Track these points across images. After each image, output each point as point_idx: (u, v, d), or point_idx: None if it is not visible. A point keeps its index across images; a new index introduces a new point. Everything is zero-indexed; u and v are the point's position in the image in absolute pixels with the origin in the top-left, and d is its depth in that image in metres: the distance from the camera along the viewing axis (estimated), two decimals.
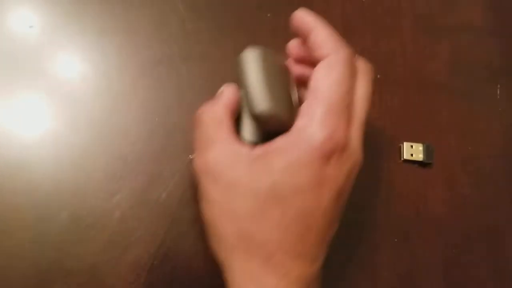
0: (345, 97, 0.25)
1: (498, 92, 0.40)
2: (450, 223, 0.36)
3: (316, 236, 0.25)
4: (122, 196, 0.33)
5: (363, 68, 0.28)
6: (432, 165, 0.37)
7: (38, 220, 0.32)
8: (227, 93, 0.28)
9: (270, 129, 0.27)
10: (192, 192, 0.34)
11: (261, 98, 0.26)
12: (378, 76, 0.39)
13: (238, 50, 0.38)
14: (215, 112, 0.28)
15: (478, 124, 0.39)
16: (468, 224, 0.36)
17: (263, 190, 0.24)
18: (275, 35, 0.40)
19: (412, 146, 0.37)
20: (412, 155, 0.37)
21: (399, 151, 0.37)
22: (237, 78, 0.27)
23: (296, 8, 0.40)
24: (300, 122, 0.25)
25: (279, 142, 0.25)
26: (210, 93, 0.36)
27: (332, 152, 0.24)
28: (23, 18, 0.37)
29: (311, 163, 0.24)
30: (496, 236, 0.36)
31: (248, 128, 0.28)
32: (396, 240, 0.35)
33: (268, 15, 0.40)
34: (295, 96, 0.29)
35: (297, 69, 0.31)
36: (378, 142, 0.37)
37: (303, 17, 0.29)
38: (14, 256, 0.31)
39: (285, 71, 0.30)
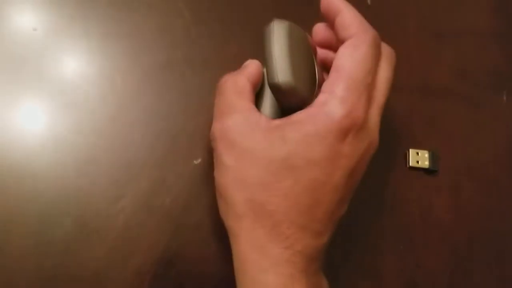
0: (367, 77, 0.26)
1: (505, 98, 0.40)
2: (456, 230, 0.36)
3: (323, 211, 0.25)
4: (126, 201, 0.33)
5: (387, 52, 0.28)
6: (437, 172, 0.37)
7: (42, 225, 0.32)
8: (251, 66, 0.29)
9: (289, 103, 0.27)
10: (197, 197, 0.34)
11: (282, 68, 0.26)
12: None
13: (243, 56, 0.38)
14: (238, 81, 0.28)
15: (484, 131, 0.39)
16: (474, 231, 0.36)
17: (276, 160, 0.25)
18: None
19: (418, 153, 0.37)
20: (418, 162, 0.36)
21: (405, 158, 0.37)
22: (262, 49, 0.27)
23: (301, 14, 0.40)
24: (321, 98, 0.26)
25: (298, 115, 0.26)
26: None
27: (349, 129, 0.24)
28: (27, 21, 0.37)
29: (327, 137, 0.24)
30: (502, 243, 0.36)
31: (268, 105, 0.29)
32: (401, 247, 0.35)
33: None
34: (317, 73, 0.29)
35: (321, 53, 0.31)
36: (384, 148, 0.37)
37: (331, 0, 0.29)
38: (18, 261, 0.31)
39: (310, 48, 0.30)
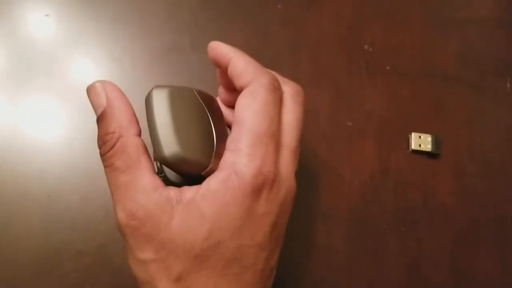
0: (271, 126, 0.24)
1: (508, 85, 0.40)
2: (457, 213, 0.36)
3: (253, 273, 0.24)
4: None
5: (293, 90, 0.27)
6: (440, 156, 0.37)
7: (50, 202, 0.33)
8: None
9: (184, 172, 0.25)
10: None
11: (167, 141, 0.23)
12: (388, 67, 0.40)
13: (248, 41, 0.39)
14: (131, 154, 0.24)
15: (487, 116, 0.39)
16: (475, 214, 0.36)
17: (199, 241, 0.23)
18: (285, 26, 0.40)
19: (420, 137, 0.37)
20: (420, 145, 0.37)
21: (408, 141, 0.37)
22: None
23: (306, 0, 0.41)
24: (228, 157, 0.24)
25: (210, 183, 0.24)
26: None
27: (262, 186, 0.23)
28: (39, 7, 0.38)
29: (244, 202, 0.23)
30: (503, 226, 0.36)
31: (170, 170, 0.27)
32: (403, 229, 0.35)
33: (279, 6, 0.41)
34: (214, 131, 0.27)
35: (232, 97, 0.30)
36: (386, 132, 0.37)
37: (218, 48, 0.27)
38: (25, 236, 0.32)
39: (201, 106, 0.27)
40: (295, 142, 0.26)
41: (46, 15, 0.38)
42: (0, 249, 0.32)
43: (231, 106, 0.31)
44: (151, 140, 0.24)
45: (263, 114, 0.24)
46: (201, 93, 0.28)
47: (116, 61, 0.37)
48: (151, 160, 0.25)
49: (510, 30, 0.42)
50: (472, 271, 0.34)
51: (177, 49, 0.38)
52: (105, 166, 0.25)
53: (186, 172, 0.25)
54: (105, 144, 0.24)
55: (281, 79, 0.27)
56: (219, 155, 0.26)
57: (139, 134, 0.25)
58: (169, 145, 0.23)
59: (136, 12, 0.39)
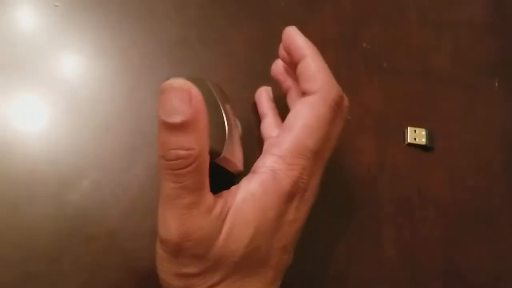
0: (317, 143, 0.25)
1: (497, 84, 0.42)
2: (449, 204, 0.38)
3: (275, 272, 0.25)
4: (140, 167, 0.35)
5: (344, 109, 0.27)
6: (433, 150, 0.39)
7: (60, 188, 0.34)
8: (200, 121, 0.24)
9: None
10: None
11: None
12: (385, 64, 0.41)
13: (255, 36, 0.40)
14: (203, 175, 0.23)
15: (477, 113, 0.41)
16: (466, 206, 0.38)
17: (240, 250, 0.23)
18: (288, 23, 0.41)
19: (415, 131, 0.39)
20: (415, 139, 0.38)
21: (403, 135, 0.39)
22: None
23: None
24: (267, 161, 0.24)
25: (249, 185, 0.24)
26: (225, 76, 0.39)
27: (295, 194, 0.24)
28: None
29: (279, 205, 0.24)
30: (492, 218, 0.38)
31: None
32: (398, 218, 0.37)
33: (282, 4, 0.42)
34: (226, 120, 0.28)
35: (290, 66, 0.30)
36: (383, 126, 0.39)
37: (295, 38, 0.27)
38: (36, 222, 0.33)
39: (214, 98, 0.28)
40: (329, 154, 0.26)
41: (55, 5, 0.39)
42: (12, 233, 0.32)
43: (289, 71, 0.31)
44: None
45: (314, 131, 0.24)
46: (213, 85, 0.29)
47: (125, 53, 0.38)
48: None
49: (499, 34, 0.44)
50: (462, 258, 0.36)
51: (184, 43, 0.39)
52: (168, 180, 0.22)
53: None
54: (179, 159, 0.21)
55: None
56: (231, 144, 0.28)
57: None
58: None
59: (145, 6, 0.40)
